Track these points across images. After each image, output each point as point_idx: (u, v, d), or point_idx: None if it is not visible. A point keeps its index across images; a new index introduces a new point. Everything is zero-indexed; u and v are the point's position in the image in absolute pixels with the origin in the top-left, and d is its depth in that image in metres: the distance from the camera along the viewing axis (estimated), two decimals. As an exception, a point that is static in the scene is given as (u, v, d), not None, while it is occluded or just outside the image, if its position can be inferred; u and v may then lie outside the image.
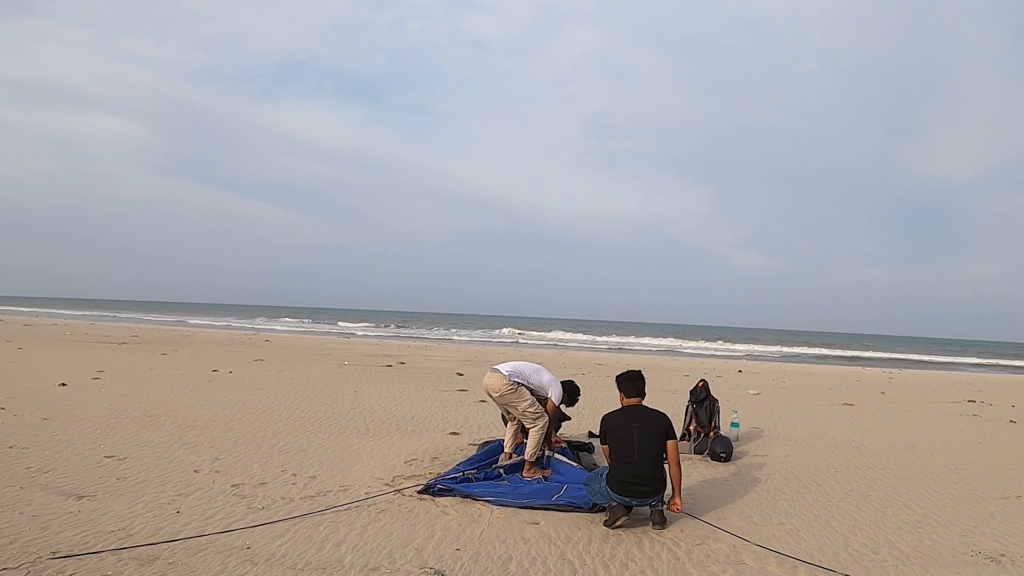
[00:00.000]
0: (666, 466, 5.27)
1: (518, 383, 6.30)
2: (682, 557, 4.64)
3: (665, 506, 5.27)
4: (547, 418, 6.38)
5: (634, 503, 5.15)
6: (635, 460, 5.11)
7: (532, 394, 6.37)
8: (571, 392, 6.93)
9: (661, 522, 5.15)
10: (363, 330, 51.72)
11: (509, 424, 6.71)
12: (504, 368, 6.38)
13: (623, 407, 5.49)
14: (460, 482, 5.95)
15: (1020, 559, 4.80)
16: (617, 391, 5.62)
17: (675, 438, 5.29)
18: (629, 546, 4.81)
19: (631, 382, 5.49)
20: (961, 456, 8.70)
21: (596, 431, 9.01)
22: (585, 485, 5.52)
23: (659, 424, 5.27)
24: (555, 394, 6.49)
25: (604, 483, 5.23)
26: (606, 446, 5.39)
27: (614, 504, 5.18)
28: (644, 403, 5.51)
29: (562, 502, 5.56)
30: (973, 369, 35.65)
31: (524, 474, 6.28)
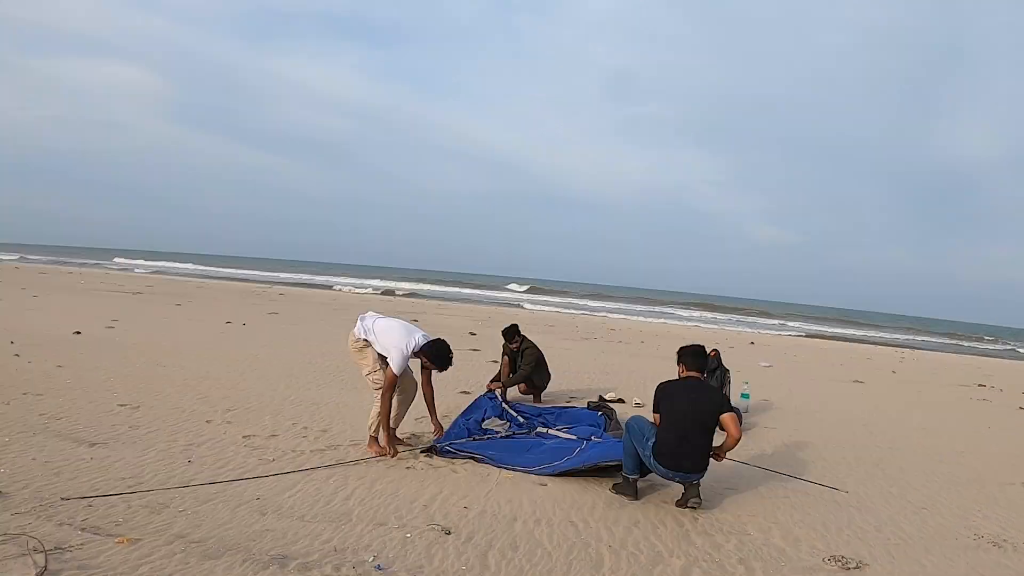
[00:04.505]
0: (721, 437, 5.06)
1: (365, 341, 5.82)
2: (687, 525, 4.67)
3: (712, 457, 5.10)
4: (387, 393, 5.61)
5: (677, 478, 4.99)
6: (688, 432, 4.93)
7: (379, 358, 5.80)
8: (434, 356, 5.72)
9: (699, 497, 4.97)
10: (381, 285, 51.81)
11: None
12: (358, 323, 5.89)
13: (682, 378, 5.28)
14: (468, 446, 5.97)
15: (1022, 545, 4.80)
16: (677, 364, 5.37)
17: (732, 411, 5.05)
18: (633, 511, 4.84)
19: (694, 356, 5.30)
20: (968, 440, 8.67)
21: (604, 397, 9.04)
22: (625, 452, 5.23)
23: (716, 398, 5.09)
24: (393, 361, 5.55)
25: (651, 454, 5.01)
26: (657, 414, 5.17)
27: (631, 479, 5.15)
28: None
29: (585, 463, 5.49)
30: (985, 353, 35.42)
31: (368, 449, 5.76)
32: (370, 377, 5.82)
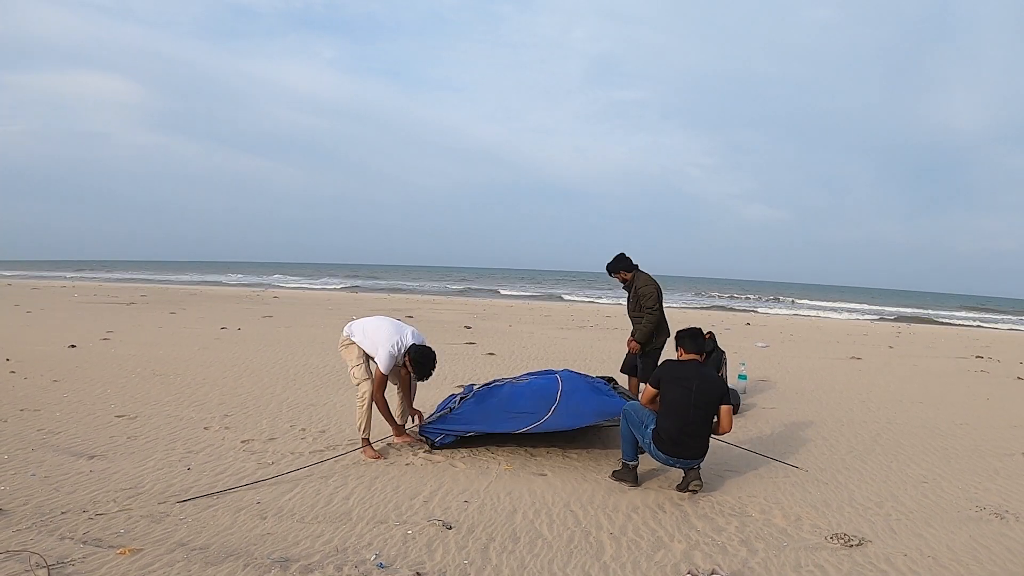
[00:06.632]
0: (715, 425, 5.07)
1: (352, 340, 5.68)
2: (687, 509, 4.68)
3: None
4: (369, 386, 5.53)
5: (678, 464, 4.99)
6: (689, 419, 4.90)
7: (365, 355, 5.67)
8: (416, 362, 5.58)
9: (700, 479, 4.97)
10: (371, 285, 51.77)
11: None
12: (347, 325, 5.83)
13: (684, 361, 5.21)
14: (452, 422, 5.84)
15: (1024, 513, 4.83)
16: (676, 347, 5.34)
17: (730, 404, 5.07)
18: (633, 497, 4.86)
19: (692, 338, 5.27)
20: (967, 412, 8.70)
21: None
22: (623, 439, 5.24)
23: (717, 387, 5.05)
24: (380, 361, 5.46)
25: (650, 441, 4.99)
26: (654, 390, 5.08)
27: (630, 466, 5.16)
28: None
29: (574, 423, 5.56)
30: (982, 325, 35.53)
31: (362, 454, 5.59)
32: (353, 370, 5.63)
